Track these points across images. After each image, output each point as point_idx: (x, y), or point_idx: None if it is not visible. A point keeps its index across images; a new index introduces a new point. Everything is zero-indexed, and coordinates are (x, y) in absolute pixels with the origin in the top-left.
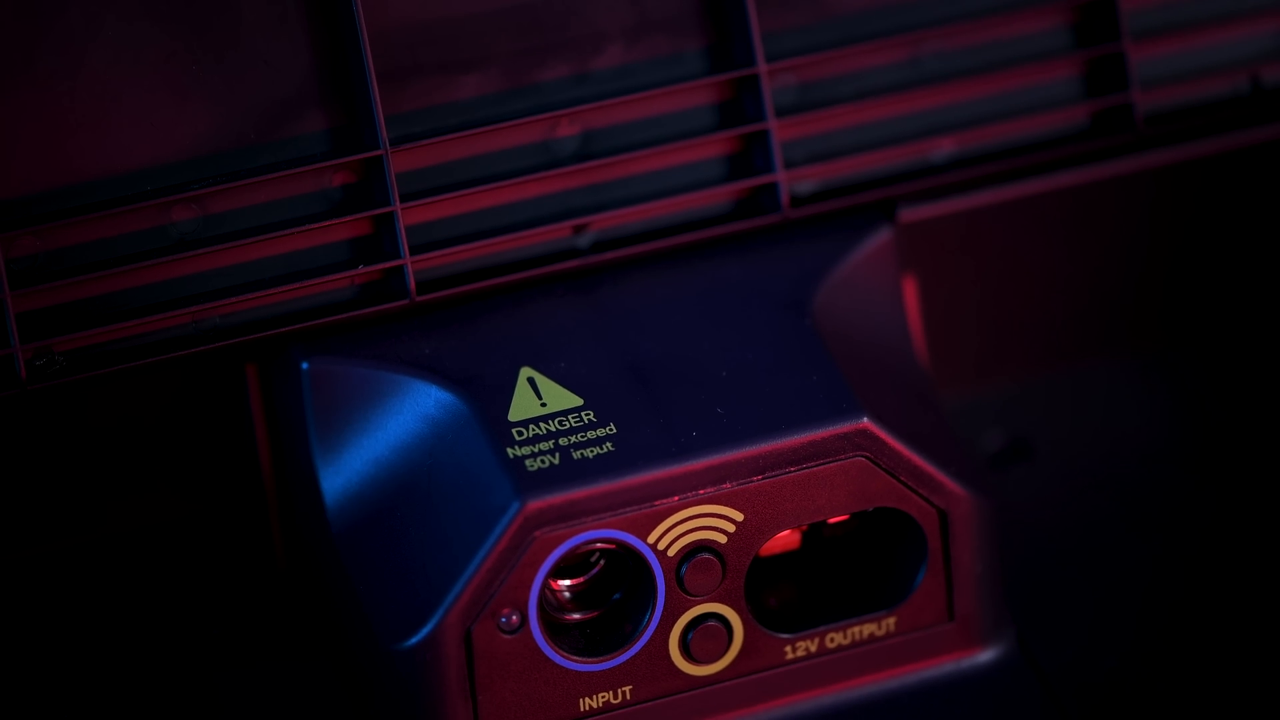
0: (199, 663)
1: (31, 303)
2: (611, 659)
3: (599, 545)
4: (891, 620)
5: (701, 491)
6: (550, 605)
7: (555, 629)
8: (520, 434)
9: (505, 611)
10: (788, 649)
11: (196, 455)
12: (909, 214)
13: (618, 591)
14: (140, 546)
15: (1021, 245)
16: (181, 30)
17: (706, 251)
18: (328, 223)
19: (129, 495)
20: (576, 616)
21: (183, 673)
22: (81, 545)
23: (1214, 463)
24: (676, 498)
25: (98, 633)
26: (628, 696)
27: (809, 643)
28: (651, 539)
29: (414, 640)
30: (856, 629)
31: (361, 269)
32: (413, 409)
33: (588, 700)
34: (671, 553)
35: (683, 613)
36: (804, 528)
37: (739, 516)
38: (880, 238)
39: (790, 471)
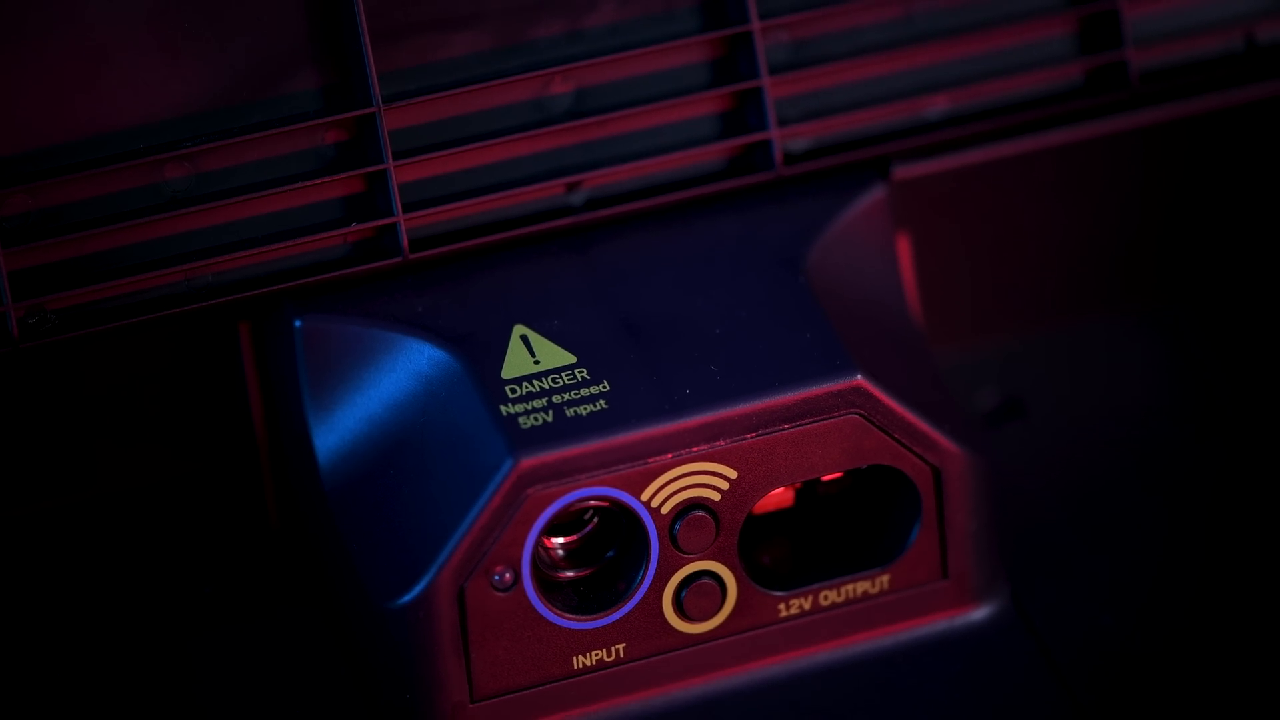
0: (191, 622)
1: (24, 261)
2: (605, 617)
3: (592, 503)
4: (885, 578)
5: (695, 449)
6: (543, 563)
7: (548, 587)
8: (513, 391)
9: (498, 569)
10: (781, 607)
11: (189, 414)
12: (903, 171)
13: (611, 549)
14: (133, 505)
15: (1015, 203)
16: None
17: (700, 209)
18: (320, 180)
19: (121, 454)
20: (570, 574)
21: (175, 631)
22: (74, 504)
23: (1209, 420)
24: (670, 455)
25: (90, 591)
26: (621, 654)
27: (802, 600)
28: (645, 496)
29: (407, 598)
30: (850, 587)
31: (354, 227)
32: (406, 367)
33: (581, 658)
34: (665, 510)
35: (676, 570)
36: (798, 485)
37: (732, 474)
38: (874, 195)
39: (784, 429)
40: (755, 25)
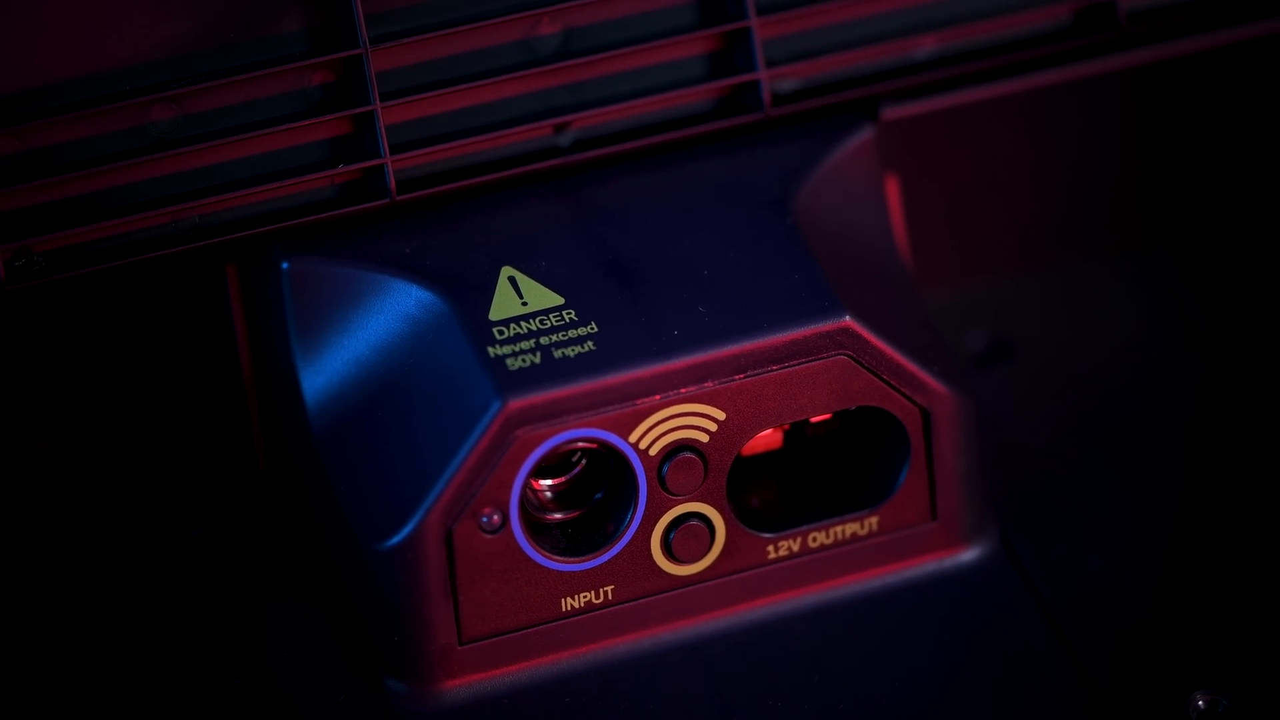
0: (179, 564)
1: (10, 203)
2: (593, 559)
3: (580, 444)
4: (874, 519)
5: (683, 390)
6: (531, 505)
7: (537, 529)
8: (501, 333)
9: (486, 511)
10: (770, 548)
11: (177, 357)
12: (891, 112)
13: (599, 491)
14: (121, 448)
15: (1004, 145)
16: None
17: (688, 150)
18: (307, 122)
19: (109, 397)
20: (558, 516)
21: (163, 574)
22: (63, 447)
23: (1196, 361)
24: (658, 396)
25: (78, 533)
26: (609, 596)
27: (791, 542)
28: (633, 438)
29: (395, 540)
30: (839, 528)
31: (342, 168)
32: (393, 309)
33: (569, 600)
34: (653, 452)
35: (664, 512)
36: (786, 427)
37: (721, 415)
38: (862, 136)
39: (772, 370)
40: None
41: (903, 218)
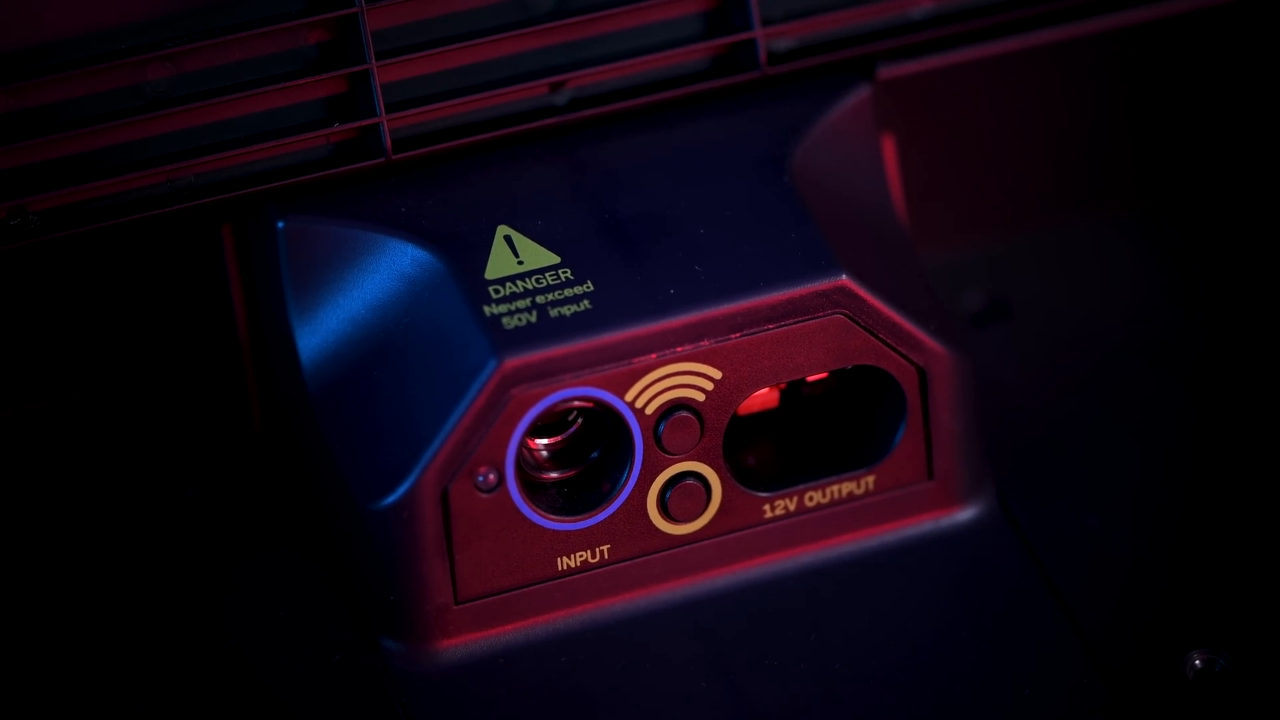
0: (175, 524)
1: (5, 162)
2: (589, 518)
3: (576, 403)
4: (870, 479)
5: (679, 349)
6: (528, 464)
7: (533, 488)
8: (497, 292)
9: (482, 470)
10: (766, 508)
11: (172, 316)
12: (888, 71)
13: (595, 450)
14: (116, 408)
15: (1001, 104)
16: None
17: (684, 109)
18: (303, 81)
19: (104, 357)
20: (554, 475)
21: (159, 534)
22: (58, 407)
23: (1194, 320)
24: (654, 355)
25: (73, 493)
26: (605, 555)
27: (787, 501)
28: (629, 397)
29: (390, 499)
30: (835, 487)
31: (337, 127)
32: (389, 268)
33: (565, 559)
34: (649, 411)
35: (661, 471)
36: (782, 386)
37: (717, 374)
38: (859, 95)
39: (769, 329)
40: None
41: (899, 177)
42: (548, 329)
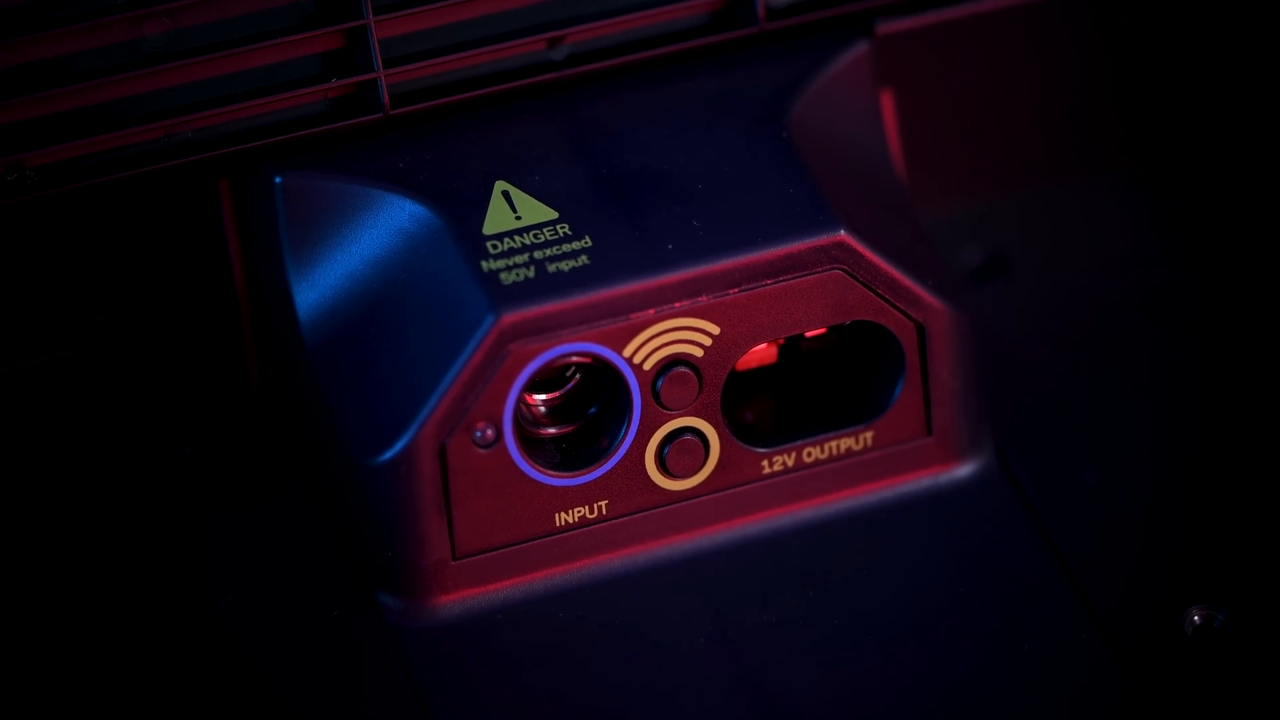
0: (172, 480)
1: (2, 117)
2: (587, 473)
3: (574, 359)
4: (869, 434)
5: (677, 304)
6: (525, 420)
7: (530, 444)
8: (495, 247)
9: (480, 426)
10: (764, 463)
11: (169, 272)
12: (886, 27)
13: (593, 406)
14: (113, 364)
15: (1000, 58)
16: None
17: (682, 65)
18: (300, 36)
19: (102, 312)
20: (552, 431)
21: (156, 490)
22: (55, 362)
23: (1192, 276)
24: (652, 310)
25: (71, 448)
26: (603, 511)
27: (786, 457)
28: (627, 352)
29: (388, 455)
30: (834, 443)
31: (335, 83)
32: (387, 223)
33: (563, 515)
34: (647, 366)
35: (659, 427)
36: (781, 342)
37: (715, 330)
38: (857, 51)
39: (767, 284)
40: None
41: (898, 133)
42: (546, 284)
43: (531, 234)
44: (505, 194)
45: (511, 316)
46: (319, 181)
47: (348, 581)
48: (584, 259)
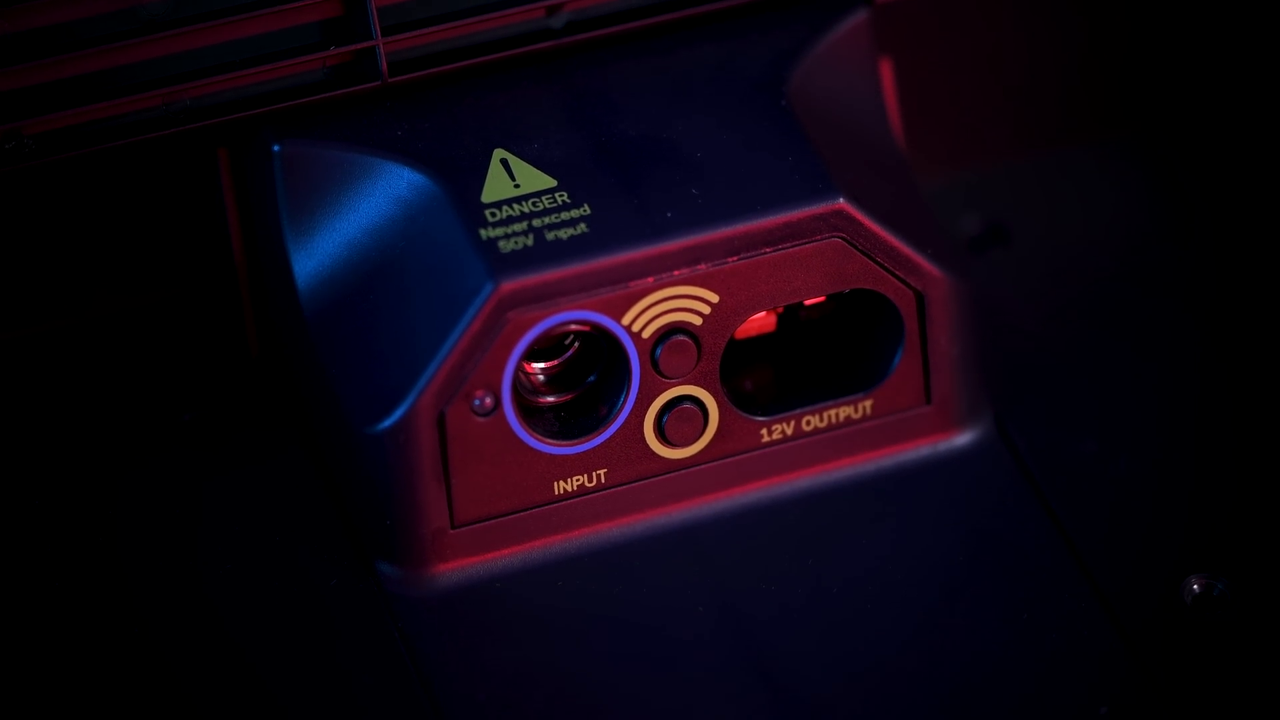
0: (170, 449)
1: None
2: (586, 442)
3: (573, 327)
4: (868, 403)
5: (676, 273)
6: (524, 388)
7: (529, 412)
8: (493, 215)
9: (479, 394)
10: (763, 432)
11: (168, 241)
12: None
13: (592, 374)
14: (111, 332)
15: (1000, 26)
16: None
17: (681, 33)
18: (299, 4)
19: (100, 281)
20: (550, 399)
21: (154, 459)
22: (53, 331)
23: (1193, 246)
24: (651, 279)
25: (69, 417)
26: (602, 480)
27: (785, 425)
28: (626, 320)
29: (387, 423)
30: (833, 412)
31: (333, 50)
32: (385, 191)
33: (562, 483)
34: (646, 334)
35: (657, 395)
36: (780, 310)
37: (714, 298)
38: (856, 19)
39: (766, 253)
40: None
41: (897, 101)
42: (544, 252)
43: (530, 202)
44: (504, 162)
45: (510, 284)
46: (317, 150)
47: (346, 550)
48: (583, 227)
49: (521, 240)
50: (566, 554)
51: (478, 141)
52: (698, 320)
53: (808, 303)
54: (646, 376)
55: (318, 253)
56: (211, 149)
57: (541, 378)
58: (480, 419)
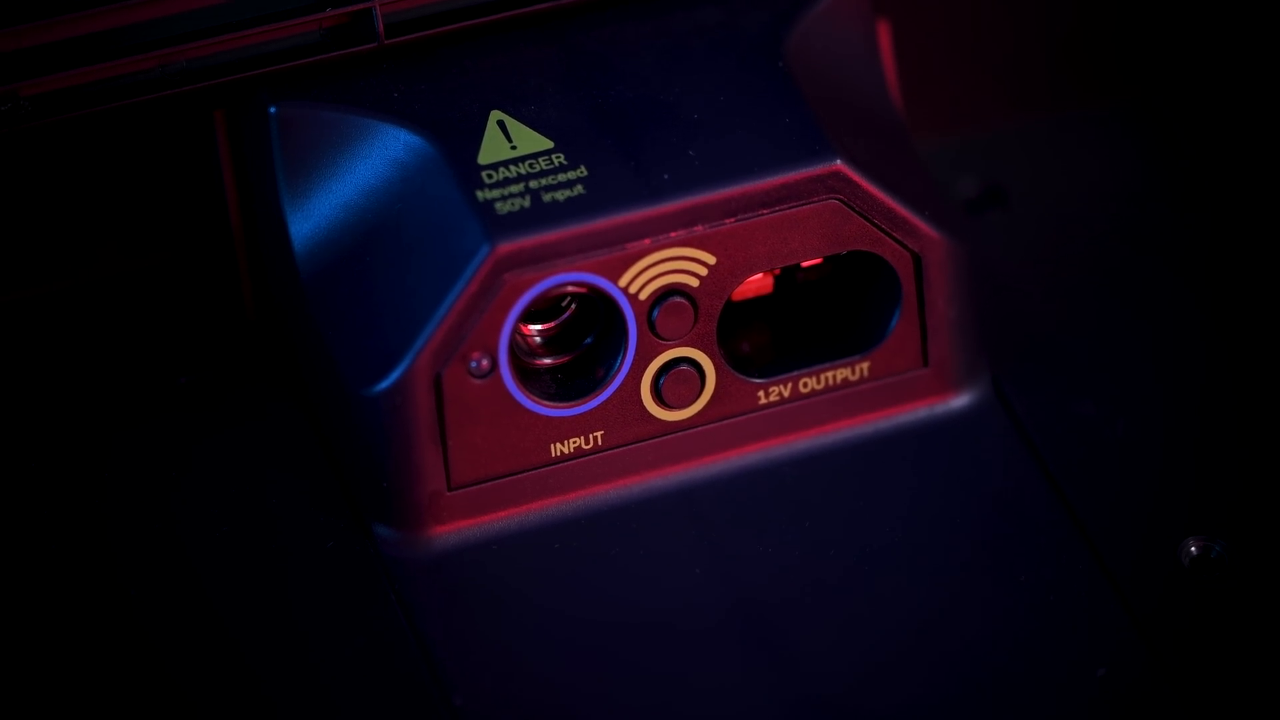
0: (166, 412)
1: None
2: (583, 404)
3: (570, 289)
4: (865, 365)
5: (673, 234)
6: (521, 350)
7: (526, 374)
8: (490, 177)
9: (475, 356)
10: (760, 394)
11: (164, 203)
12: None
13: (589, 336)
14: (107, 295)
15: None
16: None
17: None
18: None
19: (95, 244)
20: (547, 361)
21: (150, 421)
22: (49, 294)
23: (1191, 208)
24: (648, 240)
25: (65, 380)
26: (599, 442)
27: (782, 388)
28: (623, 282)
29: (383, 385)
30: (830, 374)
31: (330, 12)
32: (381, 153)
33: (559, 445)
34: (643, 296)
35: (654, 357)
36: (777, 272)
37: (711, 259)
38: None
39: (763, 214)
40: None
41: (894, 63)
42: (541, 214)
43: (527, 164)
44: (500, 124)
45: (507, 246)
46: (314, 111)
47: (343, 513)
48: (579, 189)
49: (518, 202)
50: (563, 516)
51: (474, 103)
52: (695, 282)
53: (805, 265)
54: (643, 338)
55: (314, 215)
56: (208, 111)
57: (538, 339)
58: (477, 381)
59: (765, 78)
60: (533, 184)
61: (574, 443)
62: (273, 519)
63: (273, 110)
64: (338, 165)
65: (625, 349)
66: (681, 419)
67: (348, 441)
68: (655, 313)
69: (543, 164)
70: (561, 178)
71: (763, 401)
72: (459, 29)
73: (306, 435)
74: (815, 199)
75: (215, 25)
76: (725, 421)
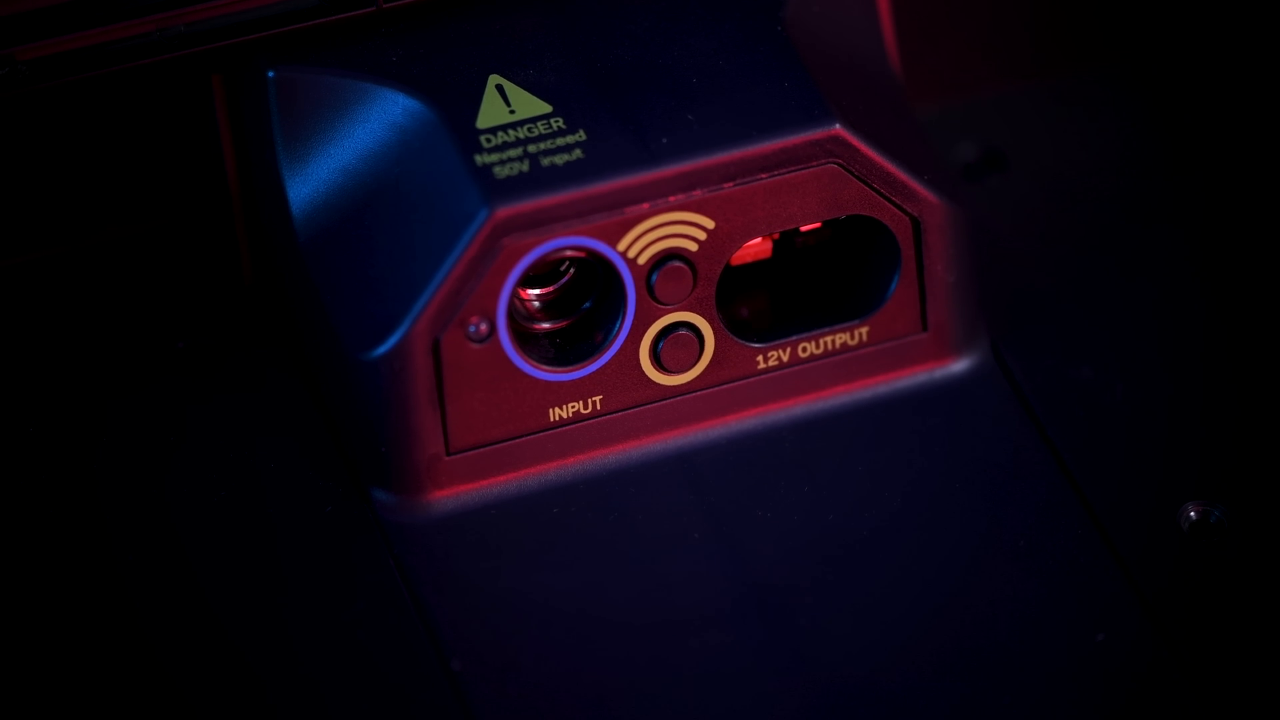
0: (165, 376)
1: None
2: (581, 368)
3: (568, 253)
4: (864, 330)
5: (672, 198)
6: (519, 314)
7: (525, 338)
8: (488, 141)
9: (474, 320)
10: (759, 359)
11: (162, 168)
12: None
13: (588, 300)
14: (105, 260)
15: None
16: None
17: None
18: None
19: (94, 208)
20: (546, 326)
21: (147, 386)
22: (46, 259)
23: (1191, 173)
24: (647, 205)
25: (62, 345)
26: (598, 406)
27: (781, 352)
28: (621, 246)
29: (381, 349)
30: (829, 338)
31: None
32: (380, 117)
33: (557, 410)
34: (642, 261)
35: (653, 321)
36: (775, 236)
37: (710, 224)
38: None
39: (762, 178)
40: None
41: (893, 27)
42: (539, 178)
43: (525, 128)
44: (499, 88)
45: (505, 210)
46: (312, 76)
47: (341, 477)
48: (578, 153)
49: (517, 166)
50: (562, 480)
51: (473, 67)
52: (693, 246)
53: (804, 229)
54: (642, 303)
55: (312, 179)
56: (206, 75)
57: (537, 304)
58: (475, 345)
59: (764, 42)
60: (531, 148)
61: (572, 407)
62: (271, 484)
63: (271, 75)
64: (336, 130)
65: (624, 313)
66: (680, 384)
67: (346, 406)
68: (654, 277)
69: (541, 128)
70: (560, 142)
71: (761, 366)
72: None
73: (304, 400)
74: (814, 163)
75: None
76: (724, 386)
